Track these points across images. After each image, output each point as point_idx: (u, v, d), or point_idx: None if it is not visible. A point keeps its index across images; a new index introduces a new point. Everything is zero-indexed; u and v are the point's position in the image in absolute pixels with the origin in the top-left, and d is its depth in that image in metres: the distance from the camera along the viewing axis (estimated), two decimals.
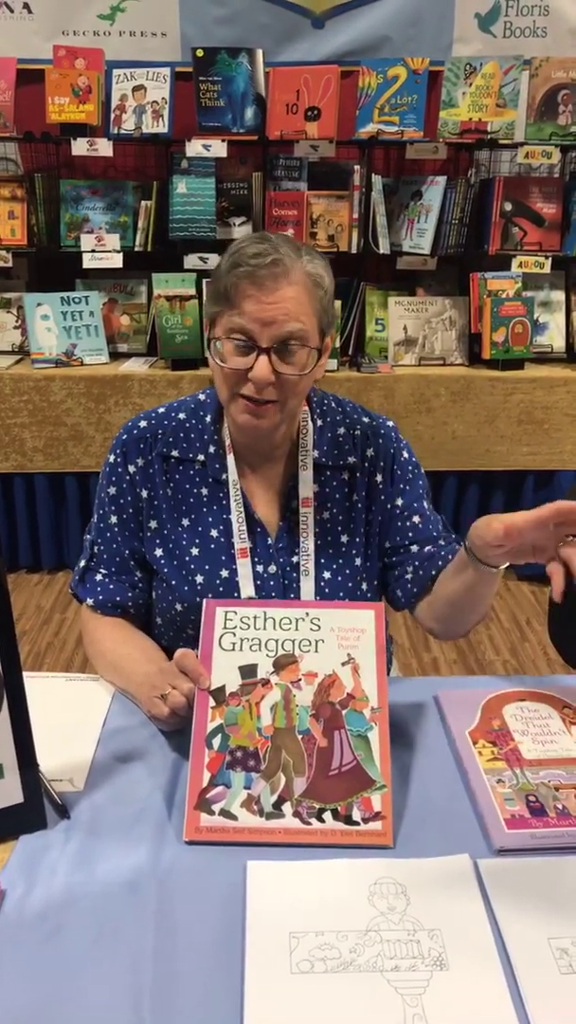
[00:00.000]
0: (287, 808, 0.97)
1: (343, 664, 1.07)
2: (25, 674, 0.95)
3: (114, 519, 1.30)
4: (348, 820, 0.97)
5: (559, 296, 3.34)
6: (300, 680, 1.05)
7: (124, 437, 1.30)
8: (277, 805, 0.97)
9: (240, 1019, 0.76)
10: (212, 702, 1.04)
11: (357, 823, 0.96)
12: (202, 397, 1.30)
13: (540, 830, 0.96)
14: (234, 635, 1.08)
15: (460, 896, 0.88)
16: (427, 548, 1.32)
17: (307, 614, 1.10)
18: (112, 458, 1.30)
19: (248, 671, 1.06)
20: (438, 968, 0.80)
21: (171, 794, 1.02)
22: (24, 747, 0.95)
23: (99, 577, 1.31)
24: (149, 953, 0.82)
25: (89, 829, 0.97)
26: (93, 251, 3.13)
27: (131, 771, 1.07)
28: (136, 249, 3.19)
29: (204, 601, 1.11)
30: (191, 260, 3.11)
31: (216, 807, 0.97)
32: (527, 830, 0.96)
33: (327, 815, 0.97)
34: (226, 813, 0.97)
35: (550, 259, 3.17)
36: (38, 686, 1.05)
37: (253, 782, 0.99)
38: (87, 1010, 0.77)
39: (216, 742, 1.02)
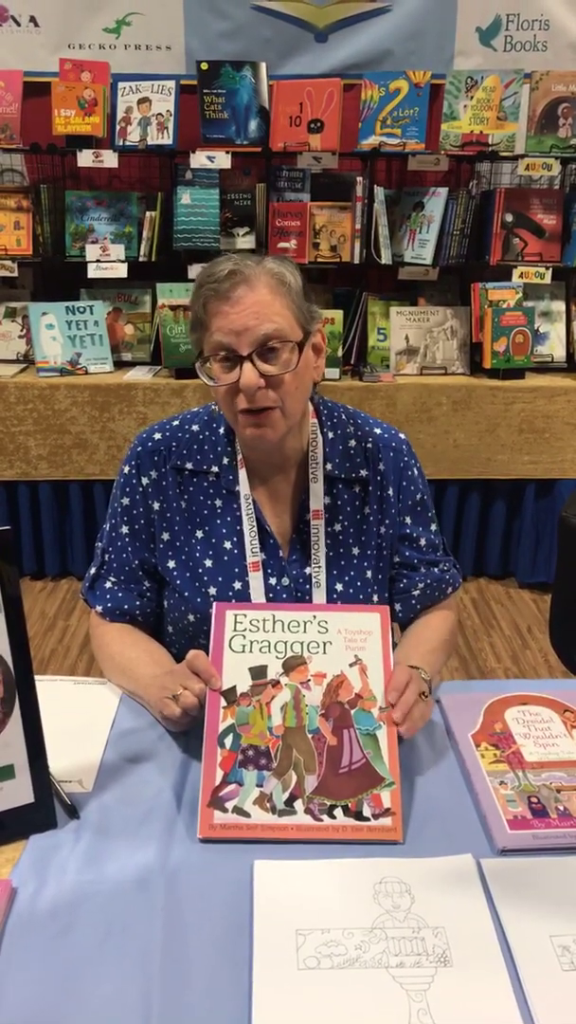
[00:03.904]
0: (299, 805, 0.99)
1: (351, 665, 1.09)
2: (35, 677, 0.97)
3: (125, 529, 1.31)
4: (359, 816, 0.98)
5: (559, 306, 3.36)
6: (309, 681, 1.07)
7: (139, 449, 1.31)
8: (289, 802, 0.99)
9: (248, 1015, 0.77)
10: (223, 702, 1.06)
11: (367, 819, 0.98)
12: (215, 408, 1.31)
13: (542, 831, 0.98)
14: (244, 637, 1.10)
15: (464, 895, 0.90)
16: (434, 569, 1.37)
17: (315, 617, 1.12)
18: (127, 469, 1.31)
19: (258, 672, 1.08)
20: (442, 965, 0.82)
21: (179, 794, 1.04)
22: (35, 748, 0.97)
23: (108, 585, 1.33)
24: (158, 950, 0.83)
25: (98, 829, 0.99)
26: (98, 261, 3.16)
27: (139, 772, 1.08)
28: (140, 259, 3.22)
29: (214, 604, 1.13)
30: (195, 270, 3.14)
31: (229, 805, 0.99)
32: (529, 831, 0.98)
33: (338, 811, 0.99)
34: (239, 810, 0.98)
35: (550, 270, 3.20)
36: (47, 689, 1.06)
37: (265, 780, 1.01)
38: (97, 1006, 0.78)
39: (228, 741, 1.04)
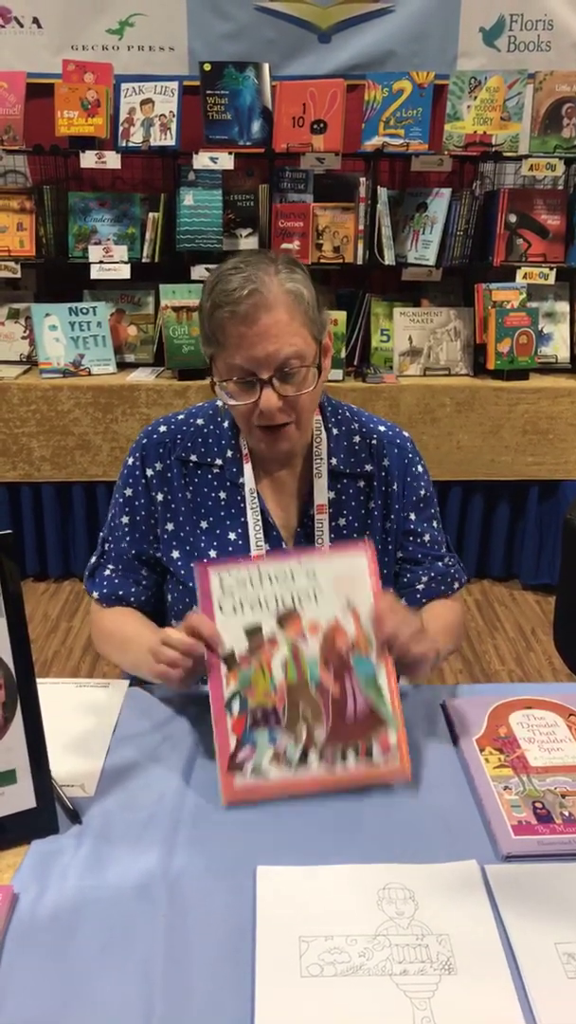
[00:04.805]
0: (312, 756, 1.02)
1: (344, 612, 1.08)
2: (37, 680, 0.97)
3: (126, 519, 1.33)
4: (369, 755, 1.04)
5: (563, 307, 3.36)
6: (305, 633, 1.06)
7: (144, 441, 1.33)
8: (303, 755, 1.02)
9: (250, 1022, 0.77)
10: (224, 668, 1.06)
11: (377, 762, 1.03)
12: (220, 403, 1.32)
13: (547, 836, 0.97)
14: (233, 597, 1.06)
15: (468, 901, 0.89)
16: (439, 563, 1.37)
17: (301, 564, 1.08)
18: (131, 461, 1.33)
19: (253, 631, 1.06)
20: (446, 972, 0.81)
21: (182, 799, 1.03)
22: (37, 753, 0.97)
23: (107, 572, 1.35)
24: (160, 957, 0.83)
25: (100, 834, 0.98)
26: (101, 262, 3.16)
27: (141, 777, 1.08)
28: (143, 260, 3.22)
29: (195, 566, 1.08)
30: (198, 271, 3.14)
31: (247, 767, 1.01)
32: (534, 836, 0.97)
33: (350, 754, 1.03)
34: (257, 771, 1.01)
35: (554, 270, 3.19)
36: (49, 692, 1.06)
37: (277, 737, 1.03)
38: (98, 1013, 0.78)
39: (236, 706, 1.04)
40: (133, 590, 1.34)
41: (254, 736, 1.03)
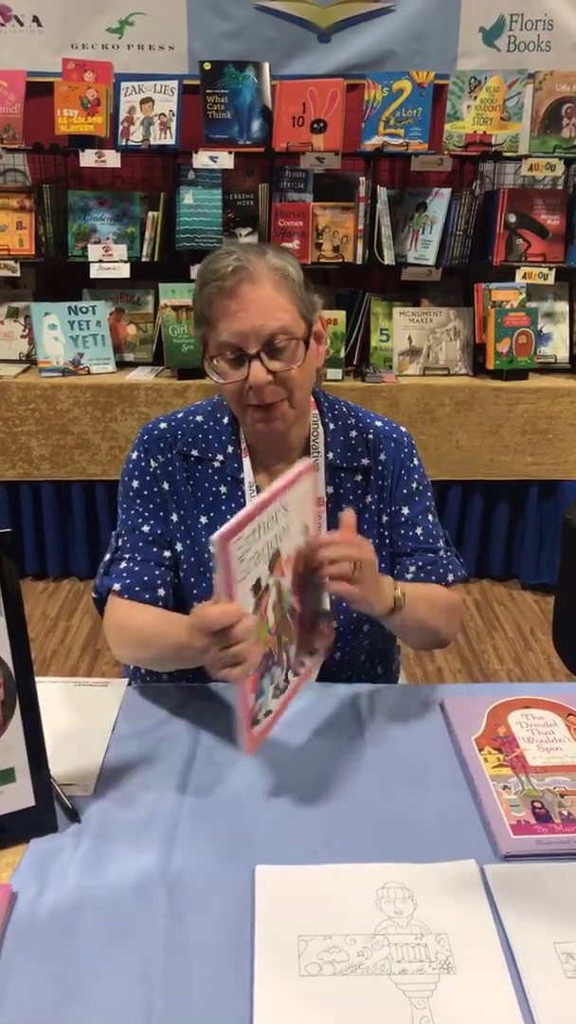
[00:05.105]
0: (291, 675, 1.10)
1: (302, 536, 1.07)
2: (36, 679, 0.97)
3: (140, 508, 1.32)
4: (314, 652, 1.14)
5: (563, 307, 3.36)
6: (284, 570, 1.05)
7: (145, 437, 1.34)
8: (287, 678, 1.10)
9: (249, 1021, 0.77)
10: None
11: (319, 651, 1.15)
12: (218, 397, 1.33)
13: (546, 836, 0.97)
14: (244, 561, 0.97)
15: (467, 901, 0.89)
16: (428, 555, 1.35)
17: (282, 504, 1.02)
18: (135, 455, 1.33)
19: (256, 588, 1.01)
20: (445, 972, 0.81)
21: (181, 799, 1.03)
22: (36, 751, 0.97)
23: (124, 565, 1.30)
24: (159, 956, 0.83)
25: (99, 833, 0.98)
26: (100, 261, 3.16)
27: (140, 776, 1.08)
28: (143, 259, 3.21)
29: (215, 539, 0.91)
30: (197, 271, 3.13)
31: (261, 715, 1.04)
32: (533, 836, 0.97)
33: (307, 658, 1.13)
34: (268, 713, 1.06)
35: (554, 270, 3.20)
36: (48, 691, 1.06)
37: (274, 674, 1.06)
38: (97, 1013, 0.78)
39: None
40: (157, 572, 1.29)
41: (262, 685, 1.04)
